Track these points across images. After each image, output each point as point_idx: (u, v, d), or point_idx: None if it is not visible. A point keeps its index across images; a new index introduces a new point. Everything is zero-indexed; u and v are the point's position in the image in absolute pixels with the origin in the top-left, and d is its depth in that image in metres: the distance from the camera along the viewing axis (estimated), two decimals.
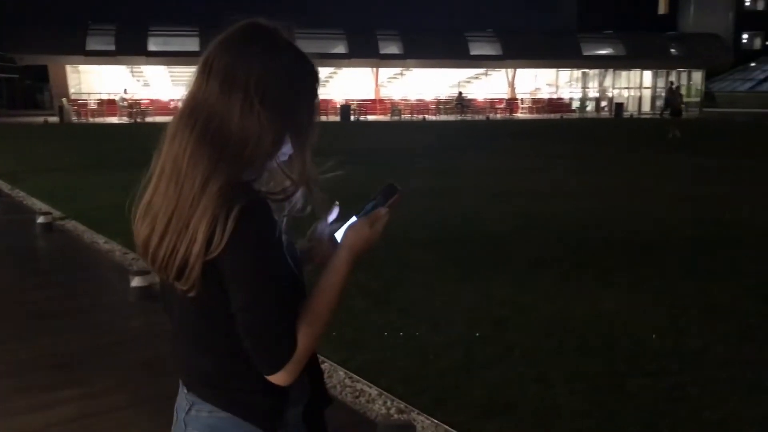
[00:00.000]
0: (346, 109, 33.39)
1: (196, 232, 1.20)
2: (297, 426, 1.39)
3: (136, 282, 5.22)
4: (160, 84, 37.12)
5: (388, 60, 35.39)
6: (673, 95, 24.69)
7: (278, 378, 1.25)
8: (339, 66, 38.14)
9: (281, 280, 1.23)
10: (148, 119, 31.65)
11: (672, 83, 28.75)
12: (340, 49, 37.06)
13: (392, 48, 35.96)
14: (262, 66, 1.23)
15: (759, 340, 4.45)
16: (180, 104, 1.29)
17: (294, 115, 1.26)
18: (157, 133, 1.29)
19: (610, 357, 4.16)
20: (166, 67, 36.58)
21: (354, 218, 1.39)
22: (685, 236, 7.50)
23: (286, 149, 1.28)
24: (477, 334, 4.47)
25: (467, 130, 26.34)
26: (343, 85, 38.33)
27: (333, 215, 1.44)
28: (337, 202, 1.43)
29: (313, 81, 1.32)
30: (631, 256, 6.62)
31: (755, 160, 15.14)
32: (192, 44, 34.97)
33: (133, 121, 31.24)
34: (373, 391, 3.66)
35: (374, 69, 37.37)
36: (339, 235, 1.38)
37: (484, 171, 13.12)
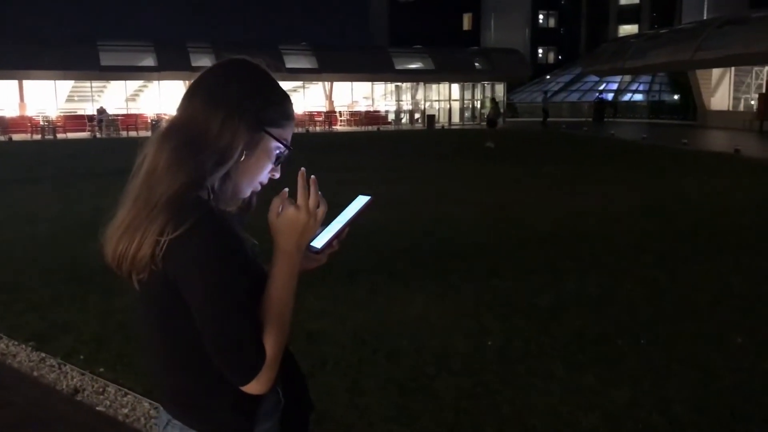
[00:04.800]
0: (158, 123, 32.02)
1: (145, 239, 1.22)
2: None
3: None
4: None
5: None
6: (495, 107, 26.08)
7: (253, 388, 1.26)
8: (149, 79, 36.57)
9: (239, 290, 1.24)
10: None
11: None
12: (149, 62, 35.54)
13: (205, 61, 34.85)
14: (240, 88, 1.32)
15: (551, 332, 4.80)
16: (163, 124, 1.35)
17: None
18: None
19: (419, 361, 4.30)
20: None
21: (330, 226, 1.40)
22: (487, 240, 7.96)
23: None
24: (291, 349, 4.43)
25: None
26: (155, 99, 36.83)
27: None
28: (323, 204, 1.42)
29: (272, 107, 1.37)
30: (439, 261, 6.91)
31: (552, 166, 16.46)
32: None
33: None
34: None
35: (187, 82, 36.02)
36: (316, 243, 1.38)
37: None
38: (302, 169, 1.33)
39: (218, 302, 1.22)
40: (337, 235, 1.41)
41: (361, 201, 1.45)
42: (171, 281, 1.24)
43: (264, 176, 1.39)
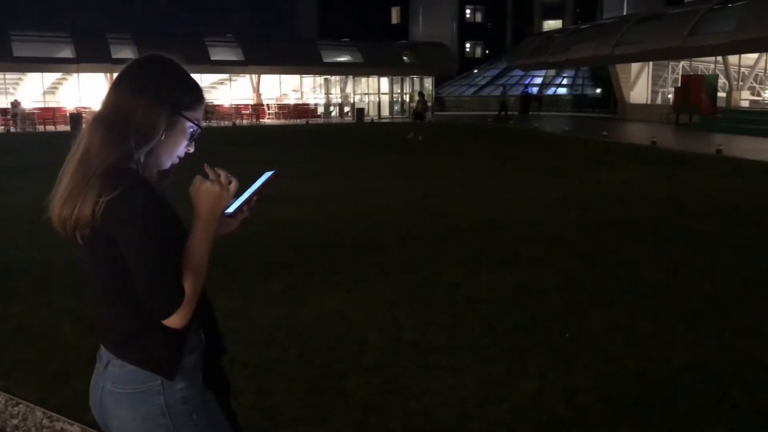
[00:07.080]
0: (76, 117, 30.78)
1: (85, 202, 1.50)
2: (194, 371, 1.65)
3: None
4: None
5: (123, 65, 33.25)
6: (422, 100, 26.05)
7: (173, 321, 1.52)
8: (67, 72, 35.19)
9: (163, 240, 1.51)
10: None
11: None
12: (67, 53, 34.16)
13: (126, 52, 33.68)
14: (160, 79, 1.63)
15: (465, 325, 4.80)
16: (96, 110, 1.64)
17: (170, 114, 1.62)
18: None
19: (331, 358, 4.22)
20: None
21: (243, 196, 1.70)
22: (408, 233, 7.94)
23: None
24: None
25: (211, 137, 25.77)
26: (74, 92, 35.47)
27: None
28: (234, 180, 1.66)
29: (185, 95, 1.66)
30: (358, 255, 6.85)
31: (476, 159, 16.64)
32: None
33: None
34: (75, 428, 3.33)
35: (108, 74, 34.88)
36: (229, 209, 1.67)
37: None
38: (205, 164, 1.63)
39: (146, 249, 1.48)
40: (247, 202, 1.71)
41: (266, 175, 1.79)
42: (109, 235, 1.50)
43: (181, 150, 1.68)
